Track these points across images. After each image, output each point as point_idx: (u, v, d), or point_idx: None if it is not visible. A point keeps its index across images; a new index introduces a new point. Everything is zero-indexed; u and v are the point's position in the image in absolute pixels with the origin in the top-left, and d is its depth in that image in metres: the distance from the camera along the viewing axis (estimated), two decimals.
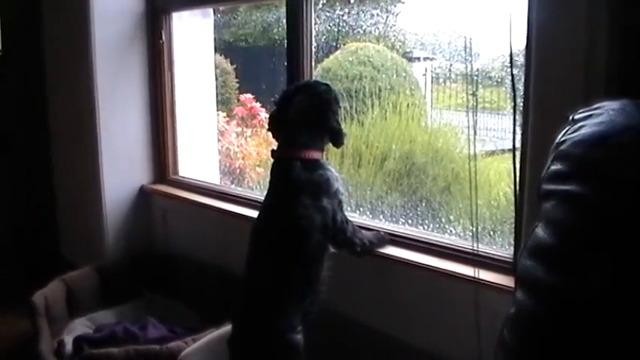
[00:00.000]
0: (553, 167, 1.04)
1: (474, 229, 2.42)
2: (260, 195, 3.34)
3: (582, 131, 1.03)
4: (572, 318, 0.92)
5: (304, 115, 2.40)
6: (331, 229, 2.37)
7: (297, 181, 2.34)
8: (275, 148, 2.47)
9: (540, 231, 1.02)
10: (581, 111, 1.09)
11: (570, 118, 1.10)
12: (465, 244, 2.50)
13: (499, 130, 3.22)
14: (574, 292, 0.92)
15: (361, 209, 3.04)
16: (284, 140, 2.45)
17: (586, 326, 0.91)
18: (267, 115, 3.91)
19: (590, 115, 1.05)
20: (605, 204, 0.93)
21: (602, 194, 0.94)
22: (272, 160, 2.48)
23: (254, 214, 3.08)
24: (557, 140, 1.08)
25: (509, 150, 2.18)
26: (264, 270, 2.41)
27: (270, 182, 2.48)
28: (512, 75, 2.05)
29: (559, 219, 0.99)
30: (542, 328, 0.96)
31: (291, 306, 2.36)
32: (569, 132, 1.06)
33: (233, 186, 3.76)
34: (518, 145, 2.19)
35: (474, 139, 2.40)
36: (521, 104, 2.18)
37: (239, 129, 4.34)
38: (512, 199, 2.20)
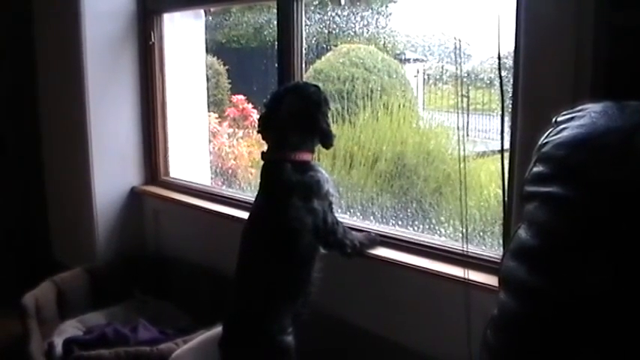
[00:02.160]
0: (535, 169, 1.05)
1: (464, 230, 2.42)
2: (251, 196, 3.34)
3: (564, 133, 1.03)
4: (554, 319, 0.92)
5: (294, 117, 2.40)
6: (322, 230, 2.37)
7: (287, 182, 2.35)
8: (265, 150, 2.47)
9: (523, 232, 1.02)
10: (563, 113, 1.10)
11: (553, 120, 1.11)
12: (455, 245, 2.51)
13: (490, 132, 3.23)
14: (556, 293, 0.92)
15: (352, 210, 3.04)
16: (274, 142, 2.45)
17: (567, 327, 0.91)
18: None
19: (572, 118, 1.06)
20: (587, 206, 0.94)
21: (585, 196, 0.94)
22: (263, 161, 2.49)
23: (245, 215, 3.08)
24: (539, 142, 1.08)
25: (500, 151, 2.19)
26: (255, 272, 2.42)
27: (261, 184, 2.49)
28: (500, 77, 2.06)
29: (541, 220, 0.99)
30: (524, 328, 0.96)
31: (281, 308, 2.37)
32: (551, 134, 1.07)
33: (224, 187, 3.76)
34: (507, 146, 2.20)
35: (465, 140, 2.41)
36: (511, 106, 2.19)
37: (231, 130, 4.34)
38: (502, 200, 2.21)
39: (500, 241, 2.37)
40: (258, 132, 2.54)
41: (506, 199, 2.20)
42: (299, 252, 2.36)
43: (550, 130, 1.09)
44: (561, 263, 0.94)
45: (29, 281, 3.45)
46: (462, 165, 2.37)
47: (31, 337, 3.07)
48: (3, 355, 3.36)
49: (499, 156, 2.27)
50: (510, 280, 1.02)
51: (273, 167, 2.42)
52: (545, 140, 1.06)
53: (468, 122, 2.57)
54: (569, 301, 0.91)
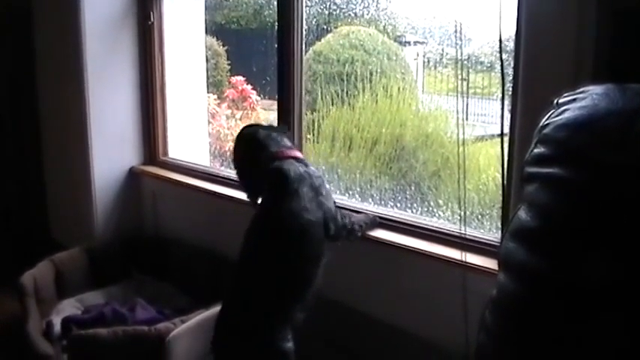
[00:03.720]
0: (536, 150, 1.05)
1: (462, 213, 2.43)
2: None
3: (566, 115, 1.03)
4: (554, 301, 0.92)
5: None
6: (333, 221, 2.36)
7: (298, 174, 2.33)
8: None
9: (523, 214, 1.02)
10: (565, 95, 1.09)
11: (554, 102, 1.10)
12: (453, 227, 2.52)
13: (489, 116, 3.22)
14: (556, 276, 0.92)
15: (350, 192, 3.04)
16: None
17: (566, 308, 0.91)
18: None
19: (574, 99, 1.06)
20: (588, 188, 0.94)
21: (586, 179, 0.94)
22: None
23: (244, 196, 3.08)
24: (541, 124, 1.08)
25: (499, 135, 2.19)
26: (259, 272, 2.34)
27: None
28: (501, 60, 2.05)
29: (542, 202, 0.99)
30: (523, 310, 0.97)
31: (283, 315, 2.31)
32: (552, 116, 1.06)
33: (223, 168, 3.75)
34: (507, 130, 2.20)
35: (464, 123, 2.40)
36: (511, 89, 2.18)
37: (229, 111, 4.32)
38: (501, 183, 2.22)
39: (499, 225, 2.37)
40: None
41: (505, 182, 2.20)
42: (309, 249, 2.32)
43: (551, 111, 1.08)
44: (562, 246, 0.94)
45: (27, 261, 3.45)
46: (460, 148, 2.37)
47: (30, 317, 3.08)
48: (2, 334, 3.38)
49: (498, 140, 2.28)
50: (510, 261, 1.02)
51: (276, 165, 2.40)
52: (547, 122, 1.06)
53: (467, 106, 2.56)
54: (568, 284, 0.91)
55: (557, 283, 0.93)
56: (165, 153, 3.92)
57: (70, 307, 3.36)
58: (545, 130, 1.04)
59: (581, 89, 1.08)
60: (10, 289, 3.32)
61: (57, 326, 3.11)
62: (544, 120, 1.08)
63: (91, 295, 3.47)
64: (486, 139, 3.18)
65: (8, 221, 4.19)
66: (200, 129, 4.05)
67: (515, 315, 0.98)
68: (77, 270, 3.54)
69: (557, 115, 1.05)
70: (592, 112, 0.99)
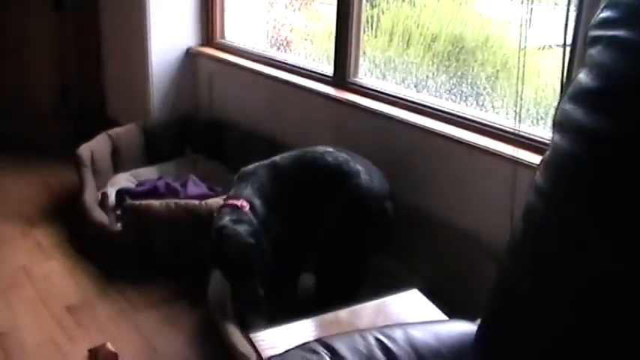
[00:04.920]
0: (602, 15, 1.01)
1: (517, 109, 2.39)
2: (307, 64, 3.34)
3: None
4: (608, 158, 0.91)
5: None
6: None
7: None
8: None
9: (583, 76, 0.99)
10: None
11: None
12: (507, 123, 2.49)
13: (554, 24, 3.13)
14: (614, 133, 0.91)
15: (406, 82, 3.02)
16: None
17: (621, 167, 0.90)
18: None
19: None
20: None
21: None
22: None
23: (302, 81, 3.09)
24: None
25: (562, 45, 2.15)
26: None
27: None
28: None
29: (604, 62, 0.96)
30: (576, 166, 0.96)
31: None
32: None
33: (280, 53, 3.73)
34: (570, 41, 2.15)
35: (527, 28, 2.35)
36: None
37: (288, 0, 4.26)
38: (559, 90, 2.18)
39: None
40: None
41: (564, 87, 2.16)
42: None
43: None
44: (623, 104, 0.92)
45: (85, 136, 3.56)
46: (521, 44, 2.33)
47: (86, 187, 3.21)
48: (59, 202, 3.53)
49: (561, 50, 2.23)
50: (565, 122, 1.00)
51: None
52: None
53: (531, 10, 2.48)
54: (627, 141, 0.89)
55: (614, 140, 0.91)
56: (223, 35, 3.90)
57: (124, 180, 3.47)
58: None
59: None
60: (68, 163, 3.44)
61: (112, 197, 3.22)
62: None
63: (145, 170, 3.57)
64: (550, 47, 3.10)
65: (67, 99, 4.28)
66: (259, 15, 4.01)
67: (568, 173, 0.97)
68: (132, 146, 3.64)
69: None
70: None
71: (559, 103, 1.06)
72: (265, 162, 2.51)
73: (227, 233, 2.23)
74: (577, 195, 0.95)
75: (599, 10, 1.03)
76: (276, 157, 2.51)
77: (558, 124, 1.03)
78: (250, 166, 2.51)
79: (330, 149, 2.46)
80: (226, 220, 2.27)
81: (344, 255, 2.38)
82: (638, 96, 0.90)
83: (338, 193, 2.36)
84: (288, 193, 2.41)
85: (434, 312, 1.68)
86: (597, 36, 1.00)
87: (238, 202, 2.32)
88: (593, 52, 1.00)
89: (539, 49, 2.97)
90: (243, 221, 2.27)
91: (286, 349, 1.24)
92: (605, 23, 1.00)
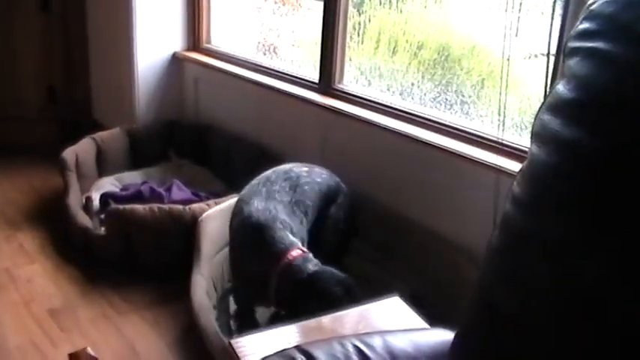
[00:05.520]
0: (581, 26, 1.02)
1: (501, 117, 2.40)
2: (293, 70, 3.34)
3: None
4: (587, 170, 0.92)
5: None
6: None
7: None
8: None
9: (561, 87, 1.00)
10: None
11: None
12: (491, 131, 2.50)
13: (540, 34, 3.15)
14: (592, 144, 0.91)
15: (391, 90, 3.03)
16: None
17: (599, 178, 0.90)
18: None
19: None
20: (634, 61, 0.91)
21: (632, 52, 0.92)
22: None
23: (287, 87, 3.09)
24: (589, 2, 1.05)
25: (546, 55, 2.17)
26: None
27: None
28: None
29: (582, 74, 0.97)
30: (554, 178, 0.96)
31: None
32: None
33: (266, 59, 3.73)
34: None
35: (512, 38, 2.36)
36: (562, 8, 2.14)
37: (276, 6, 4.27)
38: (542, 97, 2.19)
39: None
40: None
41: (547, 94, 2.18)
42: None
43: None
44: (599, 116, 0.92)
45: (70, 138, 3.55)
46: (505, 55, 2.34)
47: (70, 190, 3.20)
48: (44, 206, 3.51)
49: (545, 59, 2.25)
50: (543, 132, 1.01)
51: None
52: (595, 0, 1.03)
53: (518, 18, 2.51)
54: (607, 153, 0.90)
55: (590, 152, 0.91)
56: (209, 40, 3.91)
57: (109, 184, 3.46)
58: (593, 7, 1.01)
59: None
60: (53, 166, 3.43)
61: (96, 201, 3.21)
62: None
63: (129, 174, 3.57)
64: (535, 57, 3.12)
65: (53, 101, 4.26)
66: (246, 20, 4.01)
67: (548, 184, 0.97)
68: (117, 150, 3.63)
69: None
70: None
71: (536, 114, 1.06)
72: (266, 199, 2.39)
73: (321, 277, 2.15)
74: (555, 206, 0.96)
75: (578, 22, 1.04)
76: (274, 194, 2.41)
77: (536, 135, 1.03)
78: (265, 214, 2.32)
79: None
80: (311, 266, 2.17)
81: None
82: (617, 108, 0.90)
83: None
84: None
85: (415, 319, 1.68)
86: (576, 47, 1.01)
87: (299, 251, 2.22)
88: (572, 63, 1.00)
89: (524, 58, 2.99)
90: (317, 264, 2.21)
91: (263, 356, 1.24)
92: (584, 35, 1.01)
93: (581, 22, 1.03)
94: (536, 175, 1.01)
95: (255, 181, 2.46)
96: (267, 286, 2.18)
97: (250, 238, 2.26)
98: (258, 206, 2.29)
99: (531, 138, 1.07)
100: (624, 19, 0.95)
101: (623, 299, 0.88)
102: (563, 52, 1.05)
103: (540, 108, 1.05)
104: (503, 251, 1.07)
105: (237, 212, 2.36)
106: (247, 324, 2.34)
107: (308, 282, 2.12)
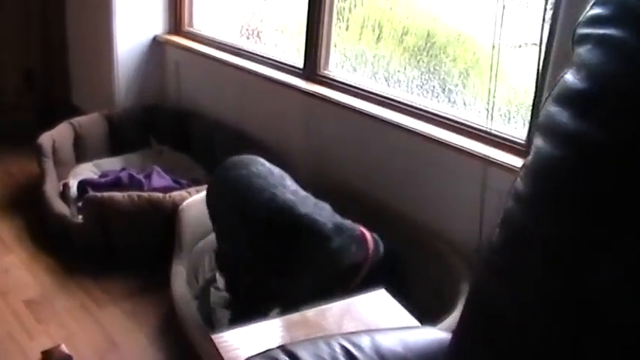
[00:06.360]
0: (592, 12, 0.97)
1: (490, 107, 2.37)
2: (277, 55, 3.29)
3: None
4: (598, 164, 0.87)
5: None
6: None
7: None
8: None
9: (570, 76, 0.95)
10: None
11: None
12: (479, 121, 2.47)
13: (526, 23, 3.13)
14: (604, 137, 0.86)
15: (376, 77, 2.98)
16: None
17: (608, 174, 0.86)
18: None
19: None
20: None
21: None
22: None
23: (271, 73, 3.04)
24: None
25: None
26: None
27: None
28: None
29: (593, 62, 0.92)
30: (559, 172, 0.91)
31: None
32: None
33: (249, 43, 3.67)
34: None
35: (501, 26, 2.33)
36: None
37: None
38: (533, 88, 2.17)
39: (526, 123, 2.30)
40: None
41: (538, 84, 2.15)
42: None
43: None
44: (614, 108, 0.87)
45: (49, 124, 3.47)
46: (495, 44, 2.31)
47: (47, 177, 3.14)
48: (20, 193, 3.44)
49: (535, 49, 2.22)
50: (550, 125, 0.96)
51: None
52: None
53: (504, 7, 2.47)
54: (620, 147, 0.85)
55: (601, 144, 0.87)
56: (191, 23, 3.83)
57: (87, 170, 3.40)
58: None
59: None
60: (31, 152, 3.35)
61: (73, 188, 3.16)
62: None
63: (108, 160, 3.51)
64: (526, 45, 3.10)
65: (30, 86, 4.17)
66: (229, 4, 3.94)
67: (552, 176, 0.92)
68: (96, 135, 3.56)
69: None
70: None
71: (542, 105, 1.01)
72: None
73: None
74: (563, 203, 0.91)
75: (588, 7, 0.99)
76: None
77: (542, 128, 0.98)
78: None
79: None
80: None
81: None
82: (630, 100, 0.86)
83: None
84: None
85: (400, 312, 1.64)
86: (586, 34, 0.96)
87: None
88: (582, 50, 0.95)
89: (513, 47, 2.96)
90: None
91: (247, 356, 1.19)
92: (594, 20, 0.96)
93: (591, 8, 0.97)
94: (541, 169, 0.96)
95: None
96: None
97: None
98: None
99: (531, 130, 1.02)
100: (637, 3, 0.90)
101: (625, 298, 0.85)
102: (572, 39, 1.00)
103: (547, 99, 1.00)
104: (504, 250, 1.02)
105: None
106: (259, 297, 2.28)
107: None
